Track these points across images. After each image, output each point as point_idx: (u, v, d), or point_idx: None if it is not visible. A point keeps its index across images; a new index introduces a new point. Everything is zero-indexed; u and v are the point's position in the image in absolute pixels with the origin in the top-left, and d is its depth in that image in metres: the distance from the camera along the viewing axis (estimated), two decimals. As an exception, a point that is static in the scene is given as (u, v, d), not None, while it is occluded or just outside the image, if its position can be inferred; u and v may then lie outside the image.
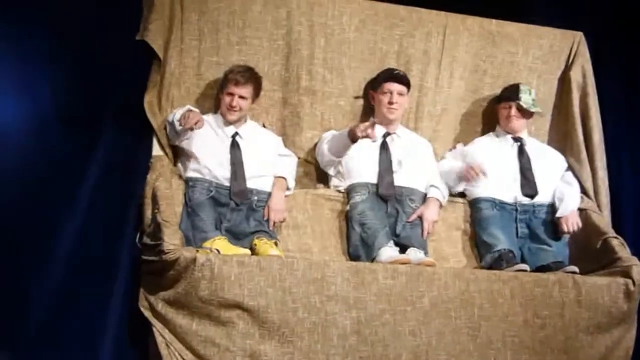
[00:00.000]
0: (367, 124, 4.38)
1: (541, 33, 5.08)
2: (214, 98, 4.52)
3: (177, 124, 4.20)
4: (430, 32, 4.90)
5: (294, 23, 4.67)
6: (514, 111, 4.79)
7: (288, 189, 4.46)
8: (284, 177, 4.45)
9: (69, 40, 4.14)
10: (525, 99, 4.78)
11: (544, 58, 5.07)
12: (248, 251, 4.10)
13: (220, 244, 4.03)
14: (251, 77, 4.41)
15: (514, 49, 5.03)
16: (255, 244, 4.16)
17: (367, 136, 4.37)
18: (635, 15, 5.43)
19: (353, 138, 4.42)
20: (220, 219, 4.25)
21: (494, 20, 5.01)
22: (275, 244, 4.18)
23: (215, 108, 4.50)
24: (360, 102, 4.81)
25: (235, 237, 4.23)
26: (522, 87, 4.81)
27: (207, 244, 4.03)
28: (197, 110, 4.27)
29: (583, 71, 5.03)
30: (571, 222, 4.63)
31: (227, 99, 4.37)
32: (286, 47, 4.67)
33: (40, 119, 4.02)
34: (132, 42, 4.26)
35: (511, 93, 4.81)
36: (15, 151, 3.95)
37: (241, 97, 4.37)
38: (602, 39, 5.31)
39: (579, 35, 5.09)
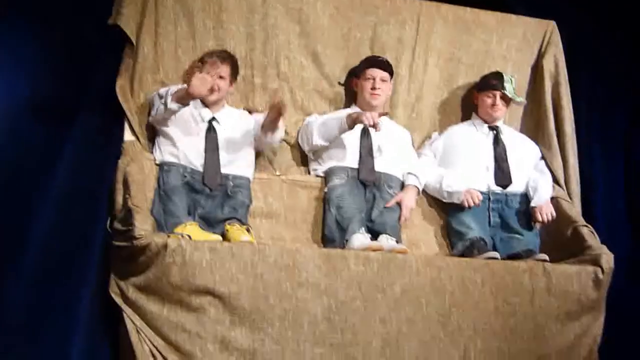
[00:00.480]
0: (375, 113, 4.38)
1: (515, 22, 5.11)
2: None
3: (169, 98, 4.15)
4: (405, 20, 4.91)
5: (269, 8, 4.66)
6: (498, 100, 4.79)
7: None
8: None
9: (43, 25, 4.10)
10: (509, 89, 4.79)
11: (518, 46, 5.10)
12: (219, 237, 4.07)
13: (191, 229, 4.01)
14: (227, 56, 4.41)
15: (488, 37, 5.05)
16: (227, 230, 4.14)
17: (373, 125, 4.37)
18: (608, 5, 5.46)
19: (352, 125, 4.43)
20: (194, 205, 4.24)
21: (468, 9, 5.03)
22: (248, 230, 4.17)
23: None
24: (339, 87, 4.82)
25: (209, 224, 4.21)
26: (505, 76, 4.82)
27: (178, 230, 4.01)
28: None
29: (555, 60, 5.06)
30: (545, 211, 4.64)
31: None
32: (263, 32, 4.66)
33: (13, 103, 3.98)
34: (105, 26, 4.22)
35: (495, 81, 4.80)
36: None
37: (220, 76, 4.35)
38: (576, 28, 5.33)
39: (552, 24, 5.12)
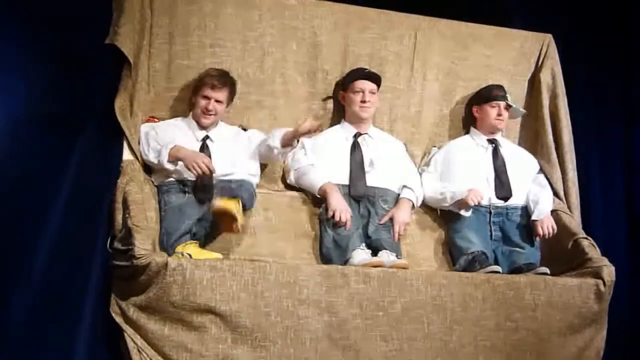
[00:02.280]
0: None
1: (512, 35, 5.12)
2: (184, 102, 4.50)
3: (168, 165, 4.21)
4: (402, 35, 4.92)
5: (265, 26, 4.67)
6: (502, 110, 4.79)
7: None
8: None
9: (44, 44, 4.10)
10: (510, 99, 4.80)
11: (515, 60, 5.12)
12: (220, 255, 4.07)
13: (191, 248, 4.01)
14: (227, 80, 4.40)
15: (485, 51, 5.06)
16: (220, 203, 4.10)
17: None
18: (603, 16, 5.47)
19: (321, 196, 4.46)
20: (203, 218, 4.22)
21: (464, 23, 5.04)
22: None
23: (189, 111, 4.47)
24: (333, 104, 4.81)
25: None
26: (504, 88, 4.84)
27: (178, 249, 4.01)
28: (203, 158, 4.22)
29: (552, 73, 5.07)
30: (546, 225, 4.64)
31: (202, 102, 4.34)
32: (259, 49, 4.66)
33: (14, 122, 3.97)
34: (103, 45, 4.22)
35: (498, 92, 4.81)
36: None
37: (217, 101, 4.36)
38: (571, 40, 5.34)
39: (549, 37, 5.14)
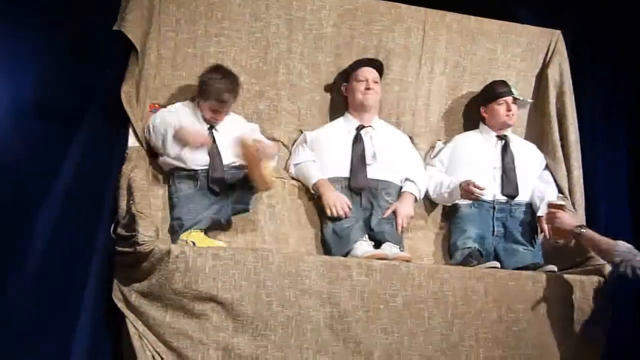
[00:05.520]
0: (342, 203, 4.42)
1: (520, 31, 5.11)
2: (190, 90, 4.48)
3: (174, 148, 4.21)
4: (410, 28, 4.91)
5: (272, 17, 4.67)
6: (511, 105, 4.76)
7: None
8: None
9: (49, 28, 4.12)
10: (515, 92, 4.78)
11: (522, 56, 5.10)
12: (223, 244, 4.09)
13: (196, 236, 4.03)
14: (234, 87, 4.35)
15: (492, 46, 5.05)
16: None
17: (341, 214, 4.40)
18: (612, 14, 5.46)
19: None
20: (216, 206, 4.24)
21: (472, 17, 5.03)
22: None
23: (193, 98, 4.45)
24: (337, 96, 4.80)
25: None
26: (508, 82, 4.82)
27: (183, 237, 4.03)
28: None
29: (560, 70, 5.05)
30: None
31: (211, 113, 4.32)
32: (264, 40, 4.66)
33: (18, 106, 4.00)
34: (109, 33, 4.22)
35: (503, 89, 4.79)
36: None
37: (227, 107, 4.36)
38: (580, 37, 5.33)
39: (557, 34, 5.12)
